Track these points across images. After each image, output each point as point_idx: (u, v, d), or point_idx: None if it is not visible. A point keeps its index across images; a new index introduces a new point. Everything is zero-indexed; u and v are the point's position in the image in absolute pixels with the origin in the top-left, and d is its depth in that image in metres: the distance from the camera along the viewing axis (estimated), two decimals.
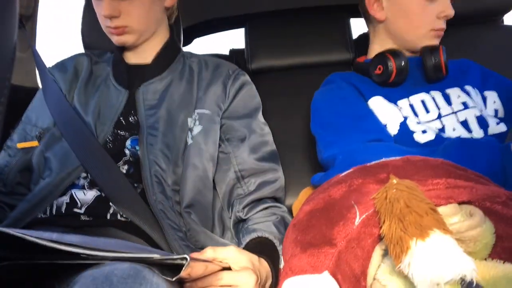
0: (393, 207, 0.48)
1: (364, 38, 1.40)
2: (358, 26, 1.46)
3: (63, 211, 0.83)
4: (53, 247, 0.47)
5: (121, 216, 0.82)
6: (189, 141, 0.90)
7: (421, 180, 0.58)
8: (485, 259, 0.58)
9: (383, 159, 0.70)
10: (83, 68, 1.00)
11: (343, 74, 1.09)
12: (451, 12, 0.98)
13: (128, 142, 0.89)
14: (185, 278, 0.63)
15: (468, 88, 1.01)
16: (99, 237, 0.70)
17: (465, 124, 0.95)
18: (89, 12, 1.18)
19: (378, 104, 0.99)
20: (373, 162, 0.70)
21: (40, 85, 1.01)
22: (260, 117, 1.02)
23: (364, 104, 0.99)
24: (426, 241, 0.44)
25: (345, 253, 0.52)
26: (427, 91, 1.00)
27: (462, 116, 0.96)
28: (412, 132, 0.93)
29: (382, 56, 1.00)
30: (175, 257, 0.54)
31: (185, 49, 1.21)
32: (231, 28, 1.76)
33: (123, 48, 1.01)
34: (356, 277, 0.49)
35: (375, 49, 1.07)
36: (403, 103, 0.99)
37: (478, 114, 0.96)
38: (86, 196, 0.84)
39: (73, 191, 0.84)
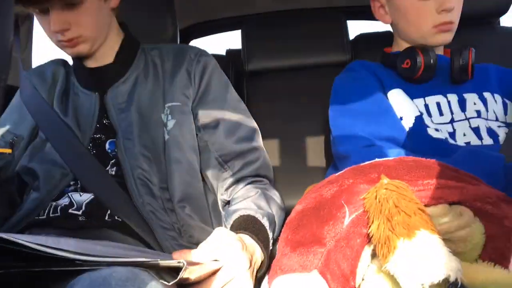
0: (382, 207, 0.48)
1: (361, 40, 1.41)
2: (354, 28, 1.47)
3: (60, 213, 0.82)
4: (47, 253, 0.47)
5: (118, 217, 0.81)
6: (166, 136, 0.89)
7: (412, 180, 0.58)
8: (476, 260, 0.58)
9: (376, 160, 0.70)
10: (59, 77, 0.99)
11: (366, 63, 1.08)
12: (450, 4, 0.95)
13: (107, 146, 0.89)
14: (184, 281, 0.63)
15: (487, 94, 1.00)
16: (96, 239, 0.70)
17: (477, 131, 0.95)
18: None
19: (397, 97, 0.98)
20: (366, 162, 0.70)
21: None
22: (231, 94, 0.99)
23: (383, 96, 0.99)
24: (413, 241, 0.44)
25: (334, 252, 0.52)
26: (444, 94, 0.99)
27: (474, 123, 0.95)
28: (427, 126, 0.93)
29: (411, 51, 0.99)
30: (171, 261, 0.54)
31: None
32: (228, 30, 1.77)
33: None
34: (345, 277, 0.49)
35: (399, 44, 1.08)
36: (419, 102, 0.98)
37: (488, 125, 0.95)
38: (82, 197, 0.83)
39: (69, 193, 0.84)
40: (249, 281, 0.67)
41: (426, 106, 0.98)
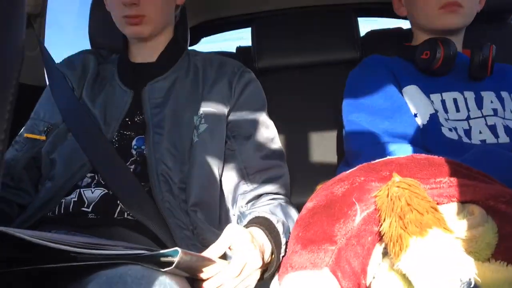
0: (394, 205, 0.48)
1: (371, 37, 1.40)
2: (365, 25, 1.45)
3: (71, 210, 0.83)
4: (39, 243, 0.48)
5: (128, 214, 0.82)
6: (195, 139, 0.90)
7: (424, 179, 0.58)
8: (489, 259, 0.58)
9: (388, 157, 0.70)
10: (90, 67, 1.01)
11: (382, 58, 1.07)
12: None
13: (134, 142, 0.89)
14: (200, 277, 0.64)
15: (504, 94, 0.99)
16: (104, 236, 0.71)
17: (493, 128, 0.94)
18: (97, 10, 1.19)
19: (412, 94, 0.97)
20: (377, 160, 0.70)
21: (47, 83, 1.02)
22: (266, 114, 1.02)
23: (398, 93, 0.98)
24: (425, 239, 0.44)
25: (345, 250, 0.51)
26: (461, 91, 0.98)
27: (491, 120, 0.95)
28: (441, 125, 0.93)
29: (432, 42, 0.98)
30: (165, 251, 0.54)
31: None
32: (238, 27, 1.77)
33: (128, 47, 1.02)
34: (356, 275, 0.49)
35: (417, 37, 1.08)
36: (436, 97, 0.98)
37: (505, 124, 0.94)
38: (94, 194, 0.84)
39: (81, 189, 0.85)
40: (257, 272, 0.69)
41: (443, 101, 0.97)
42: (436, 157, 0.68)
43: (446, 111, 0.96)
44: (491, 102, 0.98)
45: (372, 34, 1.40)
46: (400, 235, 0.46)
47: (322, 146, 1.29)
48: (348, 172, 0.69)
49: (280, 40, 1.39)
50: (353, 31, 1.38)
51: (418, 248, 0.45)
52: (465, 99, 0.97)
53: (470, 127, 0.94)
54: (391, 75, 1.01)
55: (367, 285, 0.51)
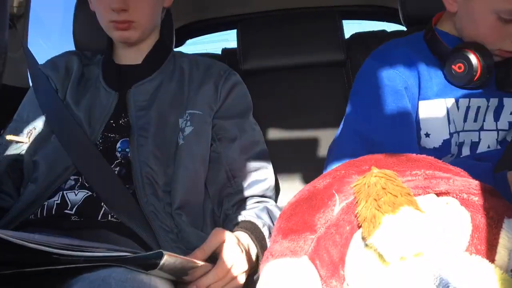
0: (370, 190, 0.50)
1: (356, 39, 1.43)
2: (349, 27, 1.48)
3: (54, 213, 0.82)
4: (20, 244, 0.47)
5: (112, 217, 0.81)
6: (180, 141, 0.90)
7: (400, 171, 0.60)
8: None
9: (368, 155, 0.72)
10: (74, 68, 1.00)
11: (406, 51, 0.93)
12: None
13: (118, 145, 0.89)
14: (185, 280, 0.65)
15: None
16: (88, 239, 0.71)
17: (503, 144, 0.91)
18: (81, 12, 1.18)
19: (428, 111, 0.89)
20: (358, 158, 0.72)
21: (31, 84, 1.01)
22: (251, 117, 1.03)
23: (408, 107, 0.88)
24: (396, 215, 0.46)
25: (324, 239, 0.53)
26: (488, 98, 0.91)
27: (502, 135, 0.92)
28: (449, 153, 0.90)
29: (466, 52, 0.86)
30: (149, 253, 0.54)
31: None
32: (223, 29, 1.78)
33: (113, 49, 1.01)
34: (334, 264, 0.51)
35: (446, 26, 0.96)
36: (463, 103, 0.90)
37: None
38: (77, 196, 0.83)
39: (64, 192, 0.84)
40: (243, 276, 0.70)
41: (467, 108, 0.90)
42: (414, 154, 0.70)
43: (465, 120, 0.91)
44: (510, 113, 0.92)
45: (357, 36, 1.43)
46: (374, 215, 0.48)
47: (308, 148, 1.31)
48: (331, 169, 0.71)
49: (266, 42, 1.40)
50: (338, 33, 1.40)
51: (389, 224, 0.46)
52: (487, 107, 0.91)
53: (480, 139, 0.91)
54: (410, 77, 0.89)
55: (345, 275, 0.52)
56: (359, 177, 0.60)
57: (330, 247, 0.52)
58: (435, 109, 0.90)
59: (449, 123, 0.90)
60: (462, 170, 0.65)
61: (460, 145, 0.92)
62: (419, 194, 0.55)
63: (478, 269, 0.50)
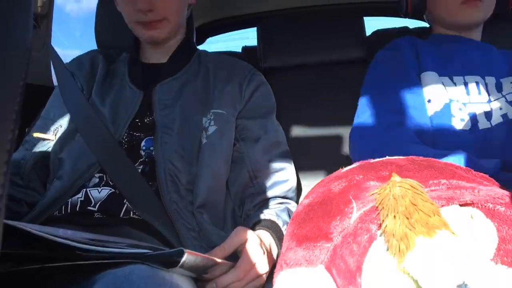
0: (398, 204, 0.47)
1: (377, 36, 1.40)
2: (371, 24, 1.45)
3: (77, 209, 0.83)
4: (46, 237, 0.48)
5: (134, 214, 0.82)
6: (204, 140, 0.90)
7: (423, 180, 0.58)
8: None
9: (387, 158, 0.70)
10: (99, 67, 1.01)
11: (414, 40, 1.10)
12: None
13: (143, 143, 0.89)
14: (204, 278, 0.65)
15: None
16: (110, 235, 0.72)
17: None
18: (103, 10, 1.20)
19: (429, 79, 1.00)
20: (376, 160, 0.70)
21: (56, 83, 1.03)
22: (274, 117, 1.02)
23: (415, 78, 1.00)
24: (433, 240, 0.44)
25: (340, 248, 0.51)
26: (483, 76, 1.01)
27: (511, 97, 0.97)
28: (452, 116, 0.94)
29: None
30: (171, 251, 0.55)
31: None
32: (244, 27, 1.77)
33: (139, 47, 1.02)
34: (351, 273, 0.49)
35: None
36: (458, 80, 1.00)
37: None
38: (100, 194, 0.84)
39: (87, 189, 0.85)
40: (263, 277, 0.70)
41: (466, 84, 0.99)
42: (436, 160, 0.67)
43: (468, 93, 0.97)
44: (511, 83, 1.00)
45: (378, 33, 1.40)
46: (405, 234, 0.45)
47: (329, 146, 1.29)
48: (345, 169, 0.69)
49: (286, 40, 1.39)
50: (359, 31, 1.38)
51: (425, 248, 0.44)
52: (486, 84, 0.99)
53: (491, 109, 0.96)
54: (415, 58, 1.03)
55: (363, 284, 0.51)
56: (378, 184, 0.58)
57: (347, 256, 0.50)
58: (432, 79, 1.00)
59: (447, 92, 0.99)
60: (487, 177, 0.63)
61: (474, 116, 0.95)
62: (443, 206, 0.53)
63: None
